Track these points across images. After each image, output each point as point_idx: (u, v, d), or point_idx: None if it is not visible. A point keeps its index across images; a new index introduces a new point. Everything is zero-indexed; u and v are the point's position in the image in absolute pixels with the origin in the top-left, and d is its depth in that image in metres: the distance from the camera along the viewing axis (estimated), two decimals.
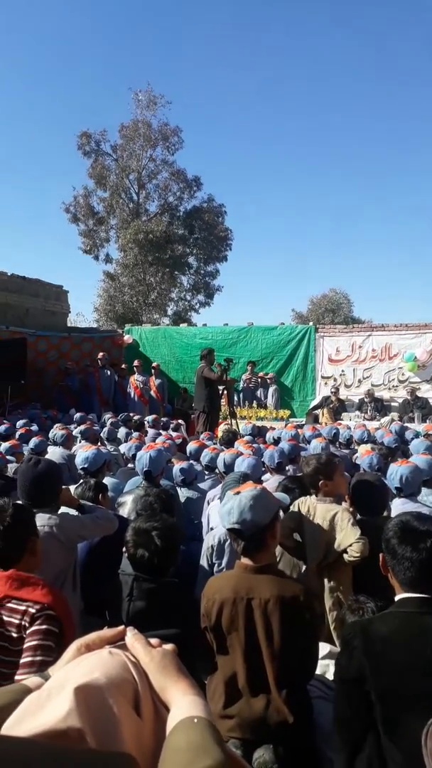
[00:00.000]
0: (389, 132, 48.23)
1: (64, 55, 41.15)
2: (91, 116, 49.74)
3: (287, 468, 4.77)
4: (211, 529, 3.49)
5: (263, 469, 4.77)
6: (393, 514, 3.20)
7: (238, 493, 2.13)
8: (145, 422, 8.27)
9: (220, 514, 2.19)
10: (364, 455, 4.54)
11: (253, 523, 2.05)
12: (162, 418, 9.49)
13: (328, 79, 46.81)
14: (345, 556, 2.88)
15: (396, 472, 3.47)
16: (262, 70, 45.24)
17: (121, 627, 0.84)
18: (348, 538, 2.87)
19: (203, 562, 3.10)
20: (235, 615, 2.04)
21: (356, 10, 41.90)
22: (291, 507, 3.23)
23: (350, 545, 2.85)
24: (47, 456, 5.62)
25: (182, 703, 0.72)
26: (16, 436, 6.53)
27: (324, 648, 2.44)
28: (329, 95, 47.09)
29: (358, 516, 3.37)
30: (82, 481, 3.57)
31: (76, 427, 7.18)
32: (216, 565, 3.05)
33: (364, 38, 45.16)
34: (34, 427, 7.28)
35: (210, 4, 41.76)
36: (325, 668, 2.31)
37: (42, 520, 2.72)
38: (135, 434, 6.75)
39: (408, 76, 46.55)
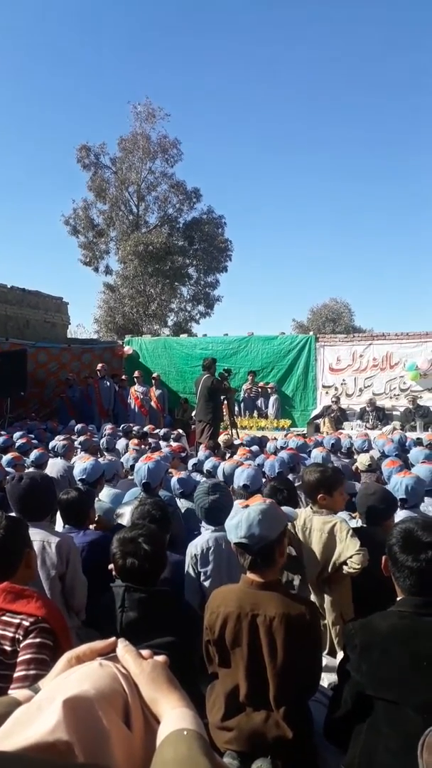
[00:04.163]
0: (389, 140, 48.62)
1: (63, 68, 41.64)
2: (90, 129, 50.13)
3: (288, 477, 4.75)
4: None
5: (264, 479, 4.77)
6: None
7: (246, 506, 2.09)
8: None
9: (226, 527, 2.14)
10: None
11: (260, 538, 2.02)
12: (162, 429, 9.49)
13: (327, 88, 47.31)
14: (345, 567, 2.84)
15: (401, 483, 3.41)
16: (260, 80, 45.67)
17: (112, 638, 0.83)
18: (348, 550, 2.83)
19: (189, 570, 3.08)
20: (239, 630, 2.01)
21: (356, 19, 42.34)
22: None
23: (350, 557, 2.81)
24: (48, 467, 5.63)
25: (172, 716, 0.72)
26: (15, 447, 6.52)
27: (323, 660, 2.42)
28: (328, 104, 47.51)
29: (361, 524, 3.35)
30: (68, 489, 3.49)
31: (77, 438, 7.18)
32: (202, 574, 3.03)
33: (365, 48, 45.60)
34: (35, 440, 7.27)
35: (208, 17, 42.26)
36: (321, 679, 2.28)
37: (40, 534, 2.74)
38: (134, 444, 6.74)
39: (407, 86, 46.92)
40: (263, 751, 1.95)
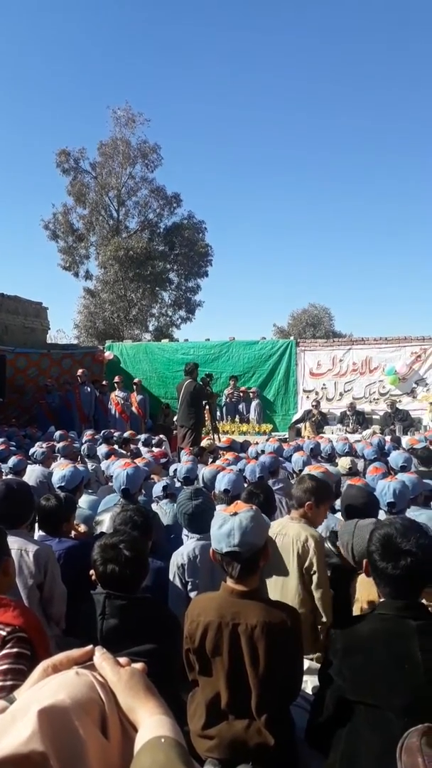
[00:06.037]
0: (368, 147, 49.27)
1: (42, 73, 41.39)
2: (70, 134, 50.01)
3: (269, 482, 4.75)
4: None
5: (245, 483, 4.77)
6: None
7: (234, 513, 2.07)
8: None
9: (214, 536, 2.09)
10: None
11: (252, 545, 2.00)
12: (143, 434, 9.45)
13: (307, 94, 47.85)
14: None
15: (388, 487, 3.41)
16: (240, 86, 45.98)
17: (90, 646, 0.82)
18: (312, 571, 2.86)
19: (175, 581, 3.01)
20: (219, 639, 1.99)
21: (338, 26, 42.93)
22: None
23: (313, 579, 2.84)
24: (26, 474, 5.56)
25: (149, 723, 0.71)
26: None
27: (304, 663, 2.41)
28: (308, 110, 47.98)
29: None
30: (48, 495, 3.40)
31: (58, 445, 7.11)
32: (190, 584, 2.97)
33: (345, 52, 46.24)
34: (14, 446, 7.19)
35: (188, 22, 42.45)
36: (304, 684, 2.28)
37: (17, 542, 2.70)
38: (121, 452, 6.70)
39: (390, 90, 47.70)
40: (245, 758, 1.94)
